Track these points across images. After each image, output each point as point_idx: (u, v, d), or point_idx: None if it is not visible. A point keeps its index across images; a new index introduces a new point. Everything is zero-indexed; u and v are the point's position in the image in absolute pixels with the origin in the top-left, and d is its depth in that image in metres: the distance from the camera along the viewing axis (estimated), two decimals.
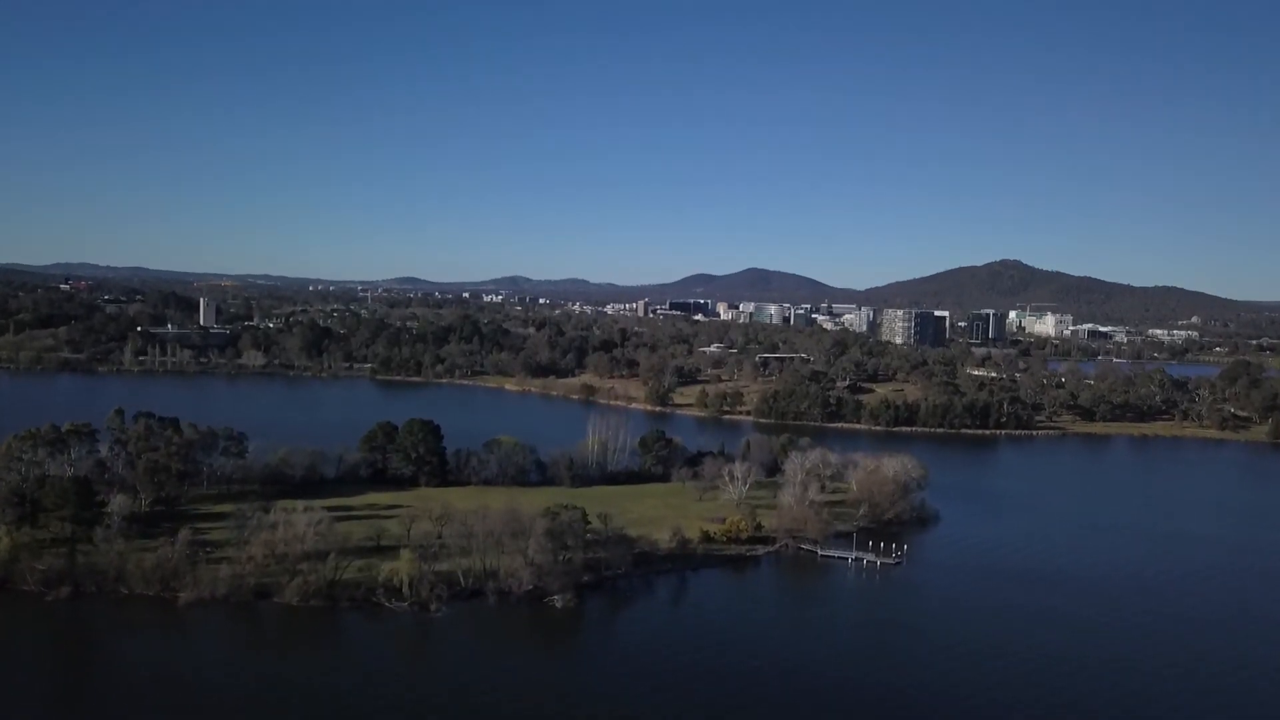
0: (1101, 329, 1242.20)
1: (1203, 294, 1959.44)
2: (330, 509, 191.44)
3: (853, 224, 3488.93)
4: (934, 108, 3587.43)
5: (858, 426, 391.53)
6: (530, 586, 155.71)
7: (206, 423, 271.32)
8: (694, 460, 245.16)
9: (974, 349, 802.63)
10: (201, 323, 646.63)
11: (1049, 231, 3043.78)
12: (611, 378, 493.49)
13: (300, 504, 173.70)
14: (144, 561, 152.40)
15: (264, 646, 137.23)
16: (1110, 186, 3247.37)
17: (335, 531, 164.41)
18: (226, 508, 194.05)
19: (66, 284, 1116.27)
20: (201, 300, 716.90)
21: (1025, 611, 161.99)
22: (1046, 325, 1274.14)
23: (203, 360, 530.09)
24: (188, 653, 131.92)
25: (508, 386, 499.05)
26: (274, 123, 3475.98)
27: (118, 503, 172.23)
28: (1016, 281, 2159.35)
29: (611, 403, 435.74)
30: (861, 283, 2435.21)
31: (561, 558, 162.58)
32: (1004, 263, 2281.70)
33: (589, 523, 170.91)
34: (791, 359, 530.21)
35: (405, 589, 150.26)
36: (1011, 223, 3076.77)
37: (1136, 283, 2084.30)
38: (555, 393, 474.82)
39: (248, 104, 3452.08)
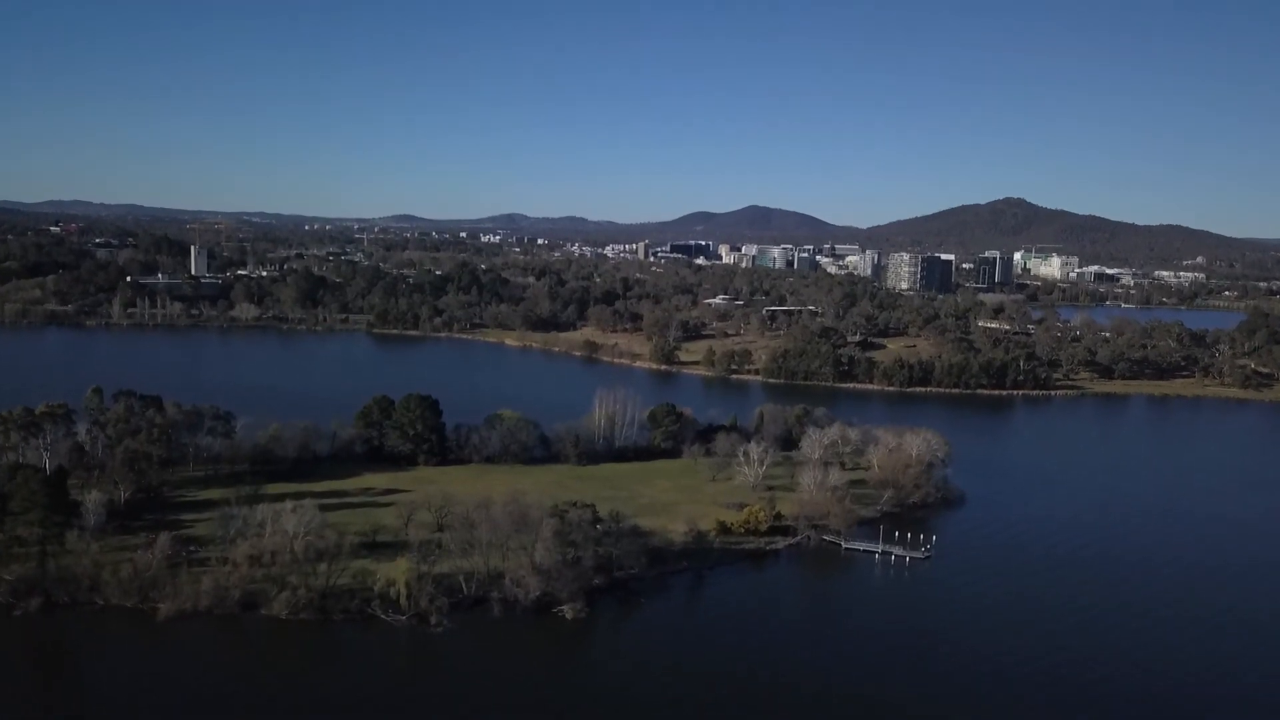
0: (1108, 271, 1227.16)
1: (1207, 232, 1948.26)
2: (323, 494, 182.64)
3: (854, 161, 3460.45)
4: (936, 44, 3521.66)
5: (870, 387, 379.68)
6: (538, 593, 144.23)
7: (194, 390, 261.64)
8: (706, 435, 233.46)
9: (982, 295, 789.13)
10: (193, 271, 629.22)
11: (1053, 169, 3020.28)
12: (614, 332, 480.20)
13: (290, 500, 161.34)
14: (120, 570, 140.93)
15: (250, 666, 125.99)
16: (1114, 123, 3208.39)
17: (327, 534, 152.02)
18: (213, 494, 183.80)
19: (57, 226, 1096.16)
20: (193, 248, 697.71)
21: (1061, 616, 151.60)
22: (1052, 267, 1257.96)
23: (194, 313, 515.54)
24: (167, 674, 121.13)
25: (508, 341, 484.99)
26: (270, 60, 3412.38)
27: (93, 499, 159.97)
28: (1020, 220, 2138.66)
29: (615, 361, 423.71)
30: (864, 221, 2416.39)
31: (570, 556, 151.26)
32: (1008, 201, 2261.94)
33: (599, 520, 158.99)
34: (800, 312, 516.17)
35: (403, 601, 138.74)
36: (1015, 160, 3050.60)
37: (1140, 221, 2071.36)
38: (557, 349, 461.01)
39: (245, 41, 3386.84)
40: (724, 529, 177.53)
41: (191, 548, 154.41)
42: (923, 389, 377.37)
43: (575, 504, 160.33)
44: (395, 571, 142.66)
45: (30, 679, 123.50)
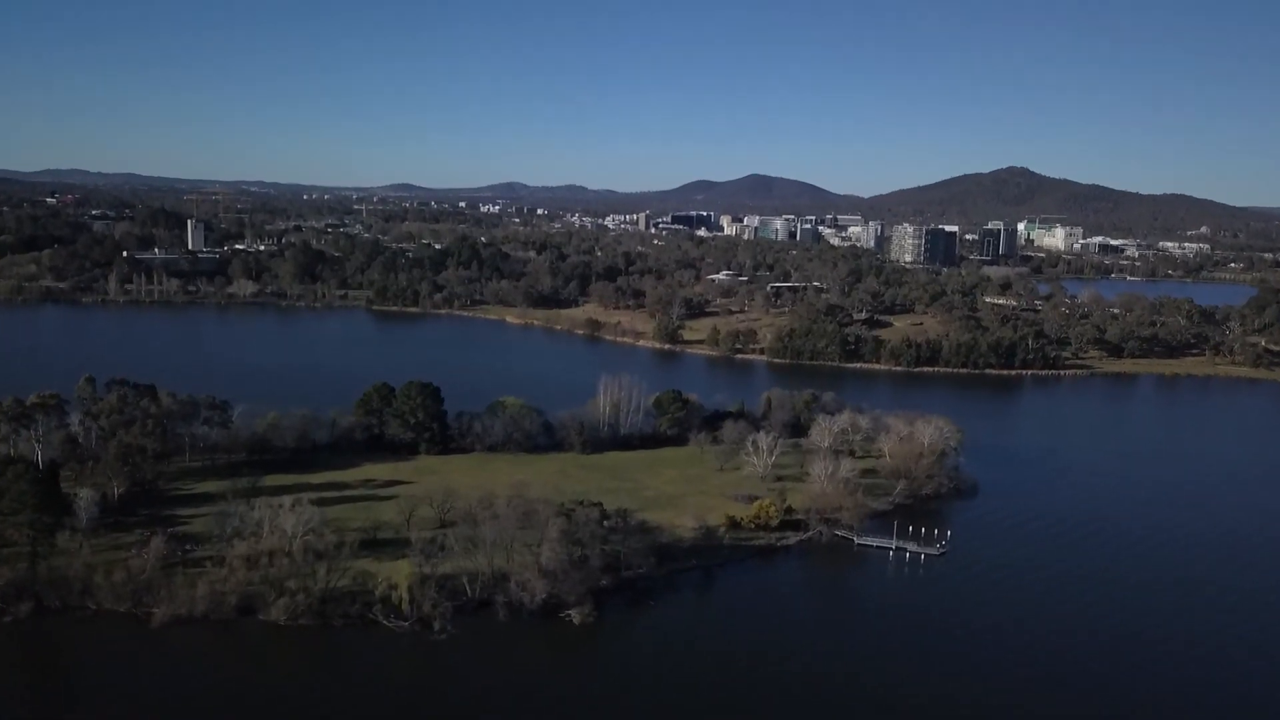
0: (1112, 242, 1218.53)
1: (1211, 201, 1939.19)
2: (322, 486, 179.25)
3: (856, 130, 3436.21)
4: (939, 11, 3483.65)
5: (877, 366, 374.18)
6: (544, 596, 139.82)
7: (191, 373, 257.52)
8: (713, 422, 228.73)
9: (987, 268, 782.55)
10: (190, 246, 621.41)
11: (1056, 137, 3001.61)
12: (617, 309, 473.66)
13: (288, 494, 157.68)
14: (113, 574, 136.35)
15: (248, 675, 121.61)
16: (1117, 92, 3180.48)
17: (326, 534, 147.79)
18: (210, 486, 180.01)
19: (53, 197, 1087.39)
20: (190, 222, 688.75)
21: (1076, 611, 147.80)
22: (1056, 238, 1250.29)
23: (191, 289, 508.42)
24: (162, 683, 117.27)
25: (509, 319, 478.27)
26: (270, 28, 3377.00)
27: (85, 497, 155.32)
28: (1024, 190, 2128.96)
29: (618, 340, 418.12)
30: (865, 190, 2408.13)
31: (576, 556, 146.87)
32: (1011, 170, 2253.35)
33: (607, 518, 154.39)
34: (805, 288, 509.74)
35: (405, 605, 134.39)
36: (1019, 128, 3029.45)
37: (1144, 190, 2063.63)
38: (559, 326, 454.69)
39: (244, 10, 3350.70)
40: (733, 524, 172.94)
41: (187, 546, 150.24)
42: (930, 369, 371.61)
43: (582, 502, 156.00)
44: (397, 574, 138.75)
45: (21, 689, 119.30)
